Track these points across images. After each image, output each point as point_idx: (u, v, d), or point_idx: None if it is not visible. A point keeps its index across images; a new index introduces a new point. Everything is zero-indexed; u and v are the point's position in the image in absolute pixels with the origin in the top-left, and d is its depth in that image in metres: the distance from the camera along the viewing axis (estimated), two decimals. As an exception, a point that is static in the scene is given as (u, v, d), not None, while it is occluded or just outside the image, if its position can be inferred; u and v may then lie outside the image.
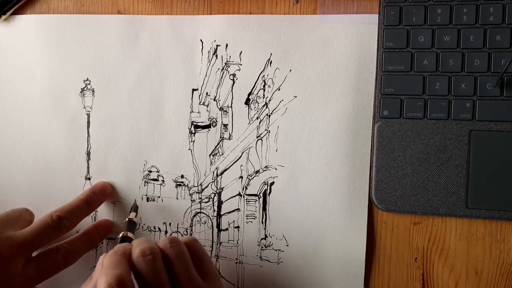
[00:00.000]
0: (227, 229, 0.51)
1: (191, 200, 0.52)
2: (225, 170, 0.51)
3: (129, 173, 0.53)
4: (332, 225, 0.48)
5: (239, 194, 0.51)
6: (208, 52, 0.51)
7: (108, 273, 0.39)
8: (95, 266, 0.53)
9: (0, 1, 0.54)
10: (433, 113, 0.46)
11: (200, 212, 0.52)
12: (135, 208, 0.52)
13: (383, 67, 0.46)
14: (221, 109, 0.51)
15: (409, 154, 0.46)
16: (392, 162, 0.46)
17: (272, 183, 0.50)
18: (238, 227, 0.51)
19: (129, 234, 0.48)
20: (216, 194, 0.51)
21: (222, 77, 0.51)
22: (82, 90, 0.54)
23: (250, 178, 0.50)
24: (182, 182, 0.52)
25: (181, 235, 0.52)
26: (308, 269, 0.49)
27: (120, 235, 0.48)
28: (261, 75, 0.50)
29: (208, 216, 0.51)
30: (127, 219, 0.50)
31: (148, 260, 0.40)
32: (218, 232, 0.51)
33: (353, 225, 0.48)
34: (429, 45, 0.46)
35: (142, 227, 0.53)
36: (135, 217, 0.51)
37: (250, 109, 0.50)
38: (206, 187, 0.51)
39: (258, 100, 0.50)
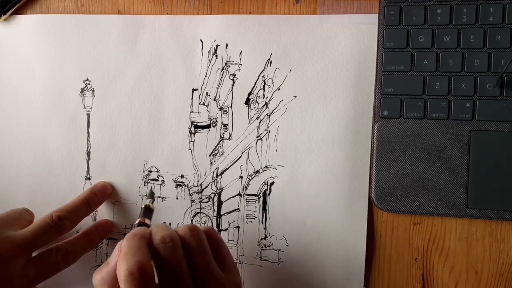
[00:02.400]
0: (227, 229, 0.51)
1: (191, 200, 0.52)
2: (225, 170, 0.51)
3: (129, 173, 0.53)
4: (332, 225, 0.48)
5: (239, 194, 0.51)
6: (208, 52, 0.51)
7: (128, 259, 0.37)
8: (95, 266, 0.54)
9: (0, 1, 0.54)
10: (433, 113, 0.46)
11: (200, 212, 0.52)
12: (150, 194, 0.50)
13: (383, 67, 0.46)
14: (221, 109, 0.51)
15: (409, 154, 0.46)
16: (392, 162, 0.46)
17: (272, 183, 0.50)
18: (238, 227, 0.51)
19: (146, 221, 0.46)
20: (216, 194, 0.51)
21: (222, 77, 0.51)
22: (82, 90, 0.54)
23: (250, 178, 0.50)
24: (182, 182, 0.52)
25: (181, 235, 0.52)
26: (308, 269, 0.49)
27: (137, 221, 0.46)
28: (261, 75, 0.50)
29: (208, 216, 0.51)
30: (143, 206, 0.48)
31: (169, 247, 0.39)
32: (218, 232, 0.51)
33: (353, 225, 0.48)
34: (429, 45, 0.46)
35: (142, 227, 0.53)
36: (152, 203, 0.49)
37: (250, 109, 0.50)
38: (206, 187, 0.51)
39: (258, 100, 0.50)
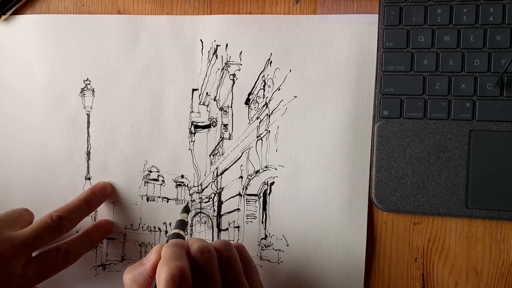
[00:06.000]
0: (227, 229, 0.51)
1: (191, 200, 0.52)
2: (225, 170, 0.51)
3: (129, 173, 0.53)
4: (332, 225, 0.48)
5: (239, 194, 0.51)
6: (208, 52, 0.51)
7: (170, 264, 0.39)
8: (95, 266, 0.54)
9: (0, 1, 0.54)
10: (433, 113, 0.46)
11: (200, 212, 0.52)
12: (186, 209, 0.51)
13: (383, 67, 0.46)
14: (221, 109, 0.51)
15: (409, 154, 0.46)
16: (392, 162, 0.46)
17: (272, 183, 0.50)
18: (238, 227, 0.51)
19: (181, 232, 0.47)
20: (216, 194, 0.51)
21: (222, 77, 0.51)
22: (82, 90, 0.54)
23: (250, 178, 0.50)
24: (182, 182, 0.52)
25: (181, 235, 0.52)
26: (308, 269, 0.49)
27: (172, 231, 0.47)
28: (261, 75, 0.50)
29: (208, 216, 0.51)
30: (178, 219, 0.49)
31: (206, 258, 0.41)
32: (218, 232, 0.51)
33: (353, 225, 0.48)
34: (429, 45, 0.46)
35: (142, 227, 0.53)
36: (187, 218, 0.50)
37: (250, 109, 0.50)
38: (206, 187, 0.51)
39: (258, 100, 0.50)
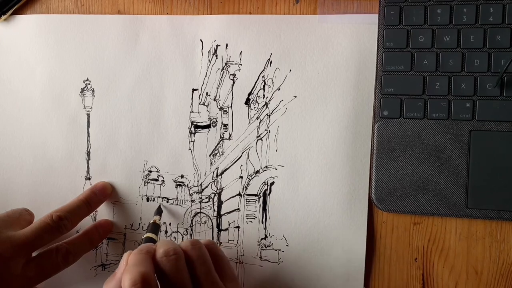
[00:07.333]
0: (227, 229, 0.51)
1: (191, 200, 0.52)
2: (225, 170, 0.51)
3: (129, 173, 0.53)
4: (332, 225, 0.48)
5: (239, 194, 0.51)
6: (208, 52, 0.51)
7: (132, 270, 0.39)
8: (95, 266, 0.54)
9: (0, 1, 0.54)
10: (433, 113, 0.46)
11: (200, 212, 0.52)
12: (158, 211, 0.51)
13: (383, 67, 0.46)
14: (221, 109, 0.51)
15: (409, 154, 0.46)
16: (392, 162, 0.46)
17: (272, 183, 0.50)
18: (238, 227, 0.51)
19: (153, 236, 0.47)
20: (216, 194, 0.51)
21: (222, 77, 0.51)
22: (82, 90, 0.54)
23: (250, 178, 0.50)
24: (182, 182, 0.52)
25: (181, 235, 0.52)
26: (308, 269, 0.49)
27: (144, 236, 0.48)
28: (261, 75, 0.50)
29: (208, 216, 0.51)
30: (151, 221, 0.49)
31: (171, 260, 0.41)
32: (218, 232, 0.51)
33: (353, 225, 0.48)
34: (429, 45, 0.46)
35: (142, 227, 0.53)
36: (159, 220, 0.50)
37: (250, 109, 0.50)
38: (206, 187, 0.51)
39: (258, 100, 0.50)
